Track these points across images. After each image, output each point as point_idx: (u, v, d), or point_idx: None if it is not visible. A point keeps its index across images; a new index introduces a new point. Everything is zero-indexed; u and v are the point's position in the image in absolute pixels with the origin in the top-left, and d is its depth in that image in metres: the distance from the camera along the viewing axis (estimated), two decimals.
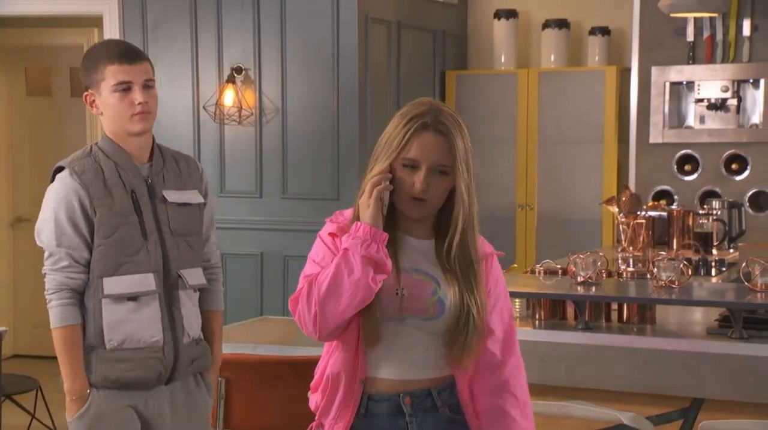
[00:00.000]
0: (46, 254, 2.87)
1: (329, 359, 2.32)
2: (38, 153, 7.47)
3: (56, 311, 2.83)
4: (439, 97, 6.46)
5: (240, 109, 5.96)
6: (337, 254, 2.22)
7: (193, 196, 2.99)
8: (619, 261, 4.31)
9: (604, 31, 6.37)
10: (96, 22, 6.67)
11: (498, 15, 6.50)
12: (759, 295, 3.34)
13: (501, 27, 6.49)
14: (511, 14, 6.48)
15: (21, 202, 7.52)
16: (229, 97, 5.95)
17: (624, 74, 6.20)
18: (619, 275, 3.97)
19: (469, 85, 6.47)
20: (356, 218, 2.25)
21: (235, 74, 5.96)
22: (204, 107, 6.04)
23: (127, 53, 2.89)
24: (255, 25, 5.91)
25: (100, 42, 3.07)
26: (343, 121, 5.73)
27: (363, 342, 2.25)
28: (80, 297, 2.86)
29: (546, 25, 6.43)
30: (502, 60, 6.49)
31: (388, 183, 2.23)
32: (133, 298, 2.84)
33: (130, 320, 2.84)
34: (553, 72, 6.36)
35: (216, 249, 3.13)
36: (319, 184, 5.84)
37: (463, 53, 6.79)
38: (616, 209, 4.71)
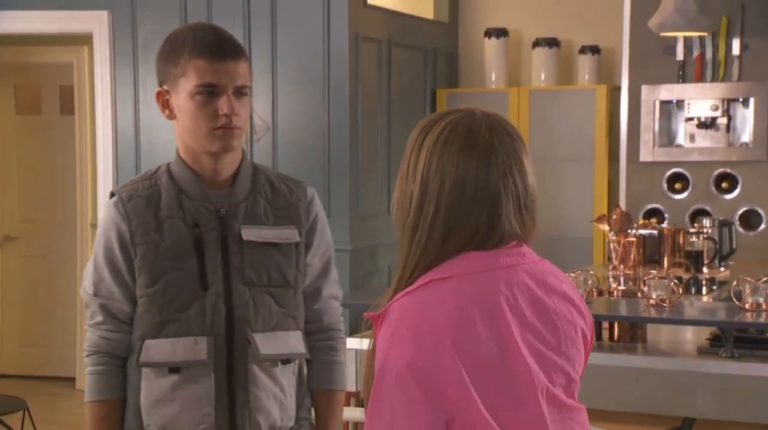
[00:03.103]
0: (86, 304, 2.25)
1: None
2: (27, 171, 7.45)
3: (88, 381, 2.20)
4: None
5: None
6: None
7: (285, 234, 2.23)
8: (610, 279, 4.30)
9: (594, 49, 6.39)
10: (86, 40, 6.65)
11: (488, 33, 6.50)
12: (749, 314, 3.34)
13: (491, 45, 6.50)
14: (501, 33, 6.49)
15: (9, 221, 7.49)
16: None
17: (614, 93, 6.21)
18: (610, 293, 3.96)
19: (460, 104, 6.37)
20: None
21: None
22: None
23: (221, 46, 2.17)
24: (246, 43, 5.90)
25: (189, 25, 2.31)
26: (334, 139, 5.72)
27: None
28: (121, 362, 2.18)
29: (536, 43, 6.44)
30: (493, 78, 6.50)
31: None
32: (176, 369, 2.10)
33: (172, 399, 2.12)
34: (544, 90, 6.37)
35: (335, 305, 2.34)
36: None
37: (454, 71, 6.80)
38: (607, 227, 4.71)
